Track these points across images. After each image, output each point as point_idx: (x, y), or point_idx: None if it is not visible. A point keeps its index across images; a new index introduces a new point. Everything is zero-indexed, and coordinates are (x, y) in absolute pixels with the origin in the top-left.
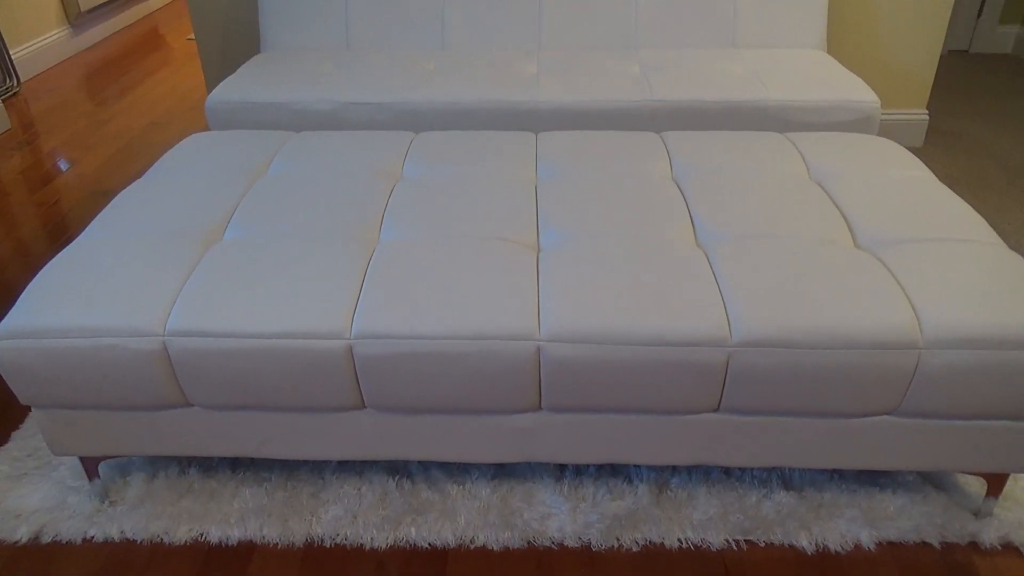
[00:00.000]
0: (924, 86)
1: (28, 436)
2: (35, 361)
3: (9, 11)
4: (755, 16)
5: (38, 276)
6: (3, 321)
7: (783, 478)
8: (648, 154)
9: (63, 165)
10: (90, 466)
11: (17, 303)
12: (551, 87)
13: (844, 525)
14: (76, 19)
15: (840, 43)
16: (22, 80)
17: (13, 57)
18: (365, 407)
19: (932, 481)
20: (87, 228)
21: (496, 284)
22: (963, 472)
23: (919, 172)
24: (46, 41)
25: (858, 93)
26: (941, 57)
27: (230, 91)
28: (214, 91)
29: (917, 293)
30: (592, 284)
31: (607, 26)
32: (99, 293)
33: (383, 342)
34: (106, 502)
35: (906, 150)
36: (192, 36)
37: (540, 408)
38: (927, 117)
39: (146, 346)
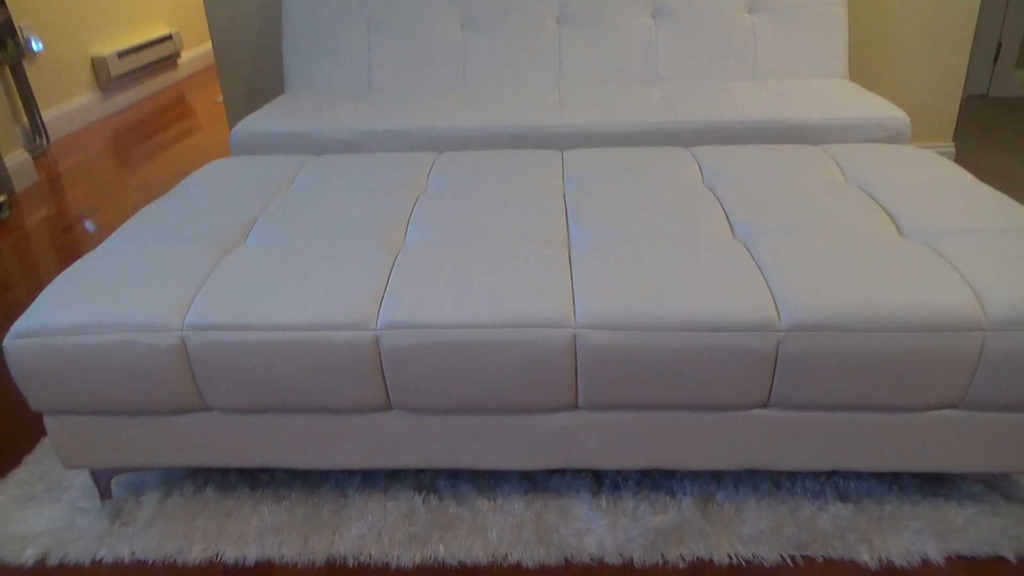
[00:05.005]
0: (949, 120)
1: (39, 460)
2: (49, 362)
3: (42, 74)
4: (775, 48)
5: (54, 281)
6: (16, 322)
7: (838, 489)
8: (678, 164)
9: (84, 217)
10: (103, 483)
11: (32, 305)
12: (574, 112)
13: (909, 538)
14: (106, 84)
15: (861, 79)
16: (51, 140)
17: (44, 118)
18: (391, 408)
19: (1001, 491)
20: (107, 239)
21: (528, 274)
22: None
23: (959, 174)
24: (76, 104)
25: (886, 111)
26: (961, 101)
27: (254, 123)
28: (239, 123)
29: (975, 275)
30: (628, 271)
31: (627, 61)
32: (115, 292)
33: (411, 332)
34: (117, 522)
35: (943, 157)
36: (219, 99)
37: (577, 406)
38: (954, 150)
39: (163, 342)
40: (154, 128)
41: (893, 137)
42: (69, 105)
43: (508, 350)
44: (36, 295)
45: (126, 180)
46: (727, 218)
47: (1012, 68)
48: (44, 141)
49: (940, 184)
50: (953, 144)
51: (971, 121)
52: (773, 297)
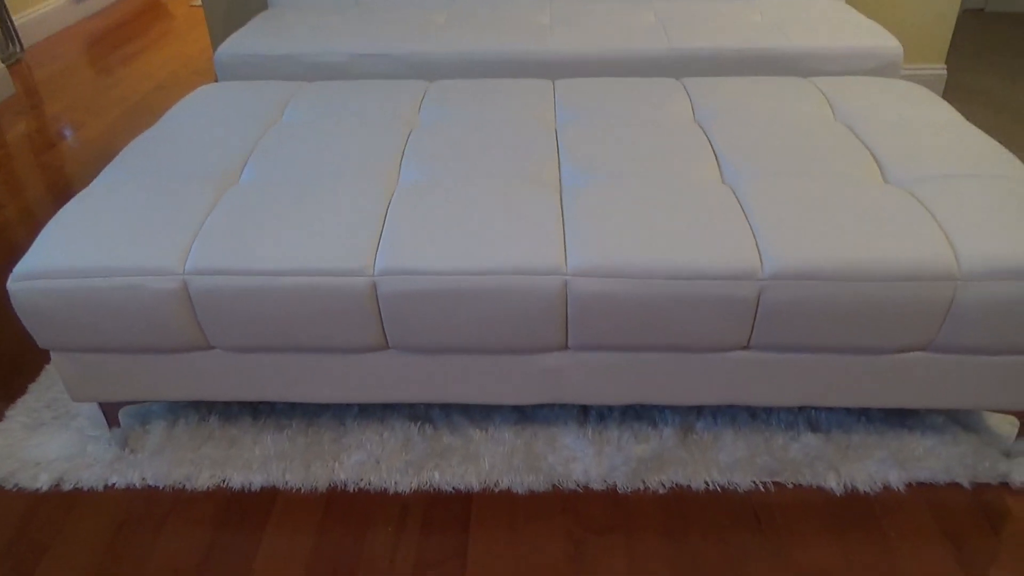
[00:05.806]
0: (942, 41)
1: (45, 388)
2: (52, 304)
3: None
4: None
5: (53, 219)
6: (19, 263)
7: (810, 420)
8: (669, 98)
9: (67, 132)
10: (110, 413)
11: (33, 246)
12: (565, 36)
13: (873, 466)
14: None
15: None
16: (25, 47)
17: (16, 23)
18: (389, 347)
19: (961, 423)
20: (101, 173)
21: (521, 221)
22: (996, 411)
23: (946, 113)
24: (48, 8)
25: (879, 40)
26: (957, 16)
27: (240, 44)
28: (224, 44)
29: (952, 226)
30: (618, 219)
31: None
32: (116, 234)
33: (407, 279)
34: (126, 450)
35: (932, 92)
36: (196, 2)
37: (567, 347)
38: (945, 72)
39: (165, 286)
40: (131, 34)
41: (885, 66)
42: (42, 8)
43: (503, 296)
44: (26, 219)
45: (106, 93)
46: (716, 160)
47: None
48: (18, 49)
49: (928, 125)
50: (945, 66)
51: (965, 37)
52: (757, 247)
